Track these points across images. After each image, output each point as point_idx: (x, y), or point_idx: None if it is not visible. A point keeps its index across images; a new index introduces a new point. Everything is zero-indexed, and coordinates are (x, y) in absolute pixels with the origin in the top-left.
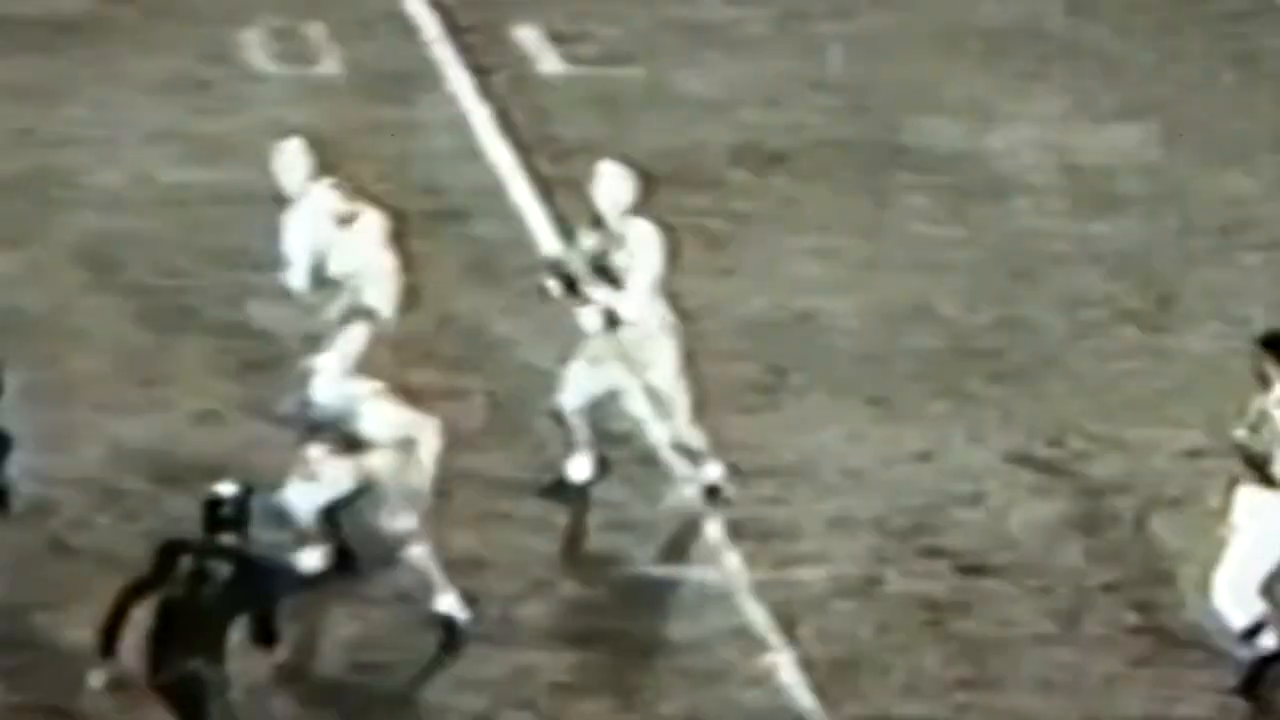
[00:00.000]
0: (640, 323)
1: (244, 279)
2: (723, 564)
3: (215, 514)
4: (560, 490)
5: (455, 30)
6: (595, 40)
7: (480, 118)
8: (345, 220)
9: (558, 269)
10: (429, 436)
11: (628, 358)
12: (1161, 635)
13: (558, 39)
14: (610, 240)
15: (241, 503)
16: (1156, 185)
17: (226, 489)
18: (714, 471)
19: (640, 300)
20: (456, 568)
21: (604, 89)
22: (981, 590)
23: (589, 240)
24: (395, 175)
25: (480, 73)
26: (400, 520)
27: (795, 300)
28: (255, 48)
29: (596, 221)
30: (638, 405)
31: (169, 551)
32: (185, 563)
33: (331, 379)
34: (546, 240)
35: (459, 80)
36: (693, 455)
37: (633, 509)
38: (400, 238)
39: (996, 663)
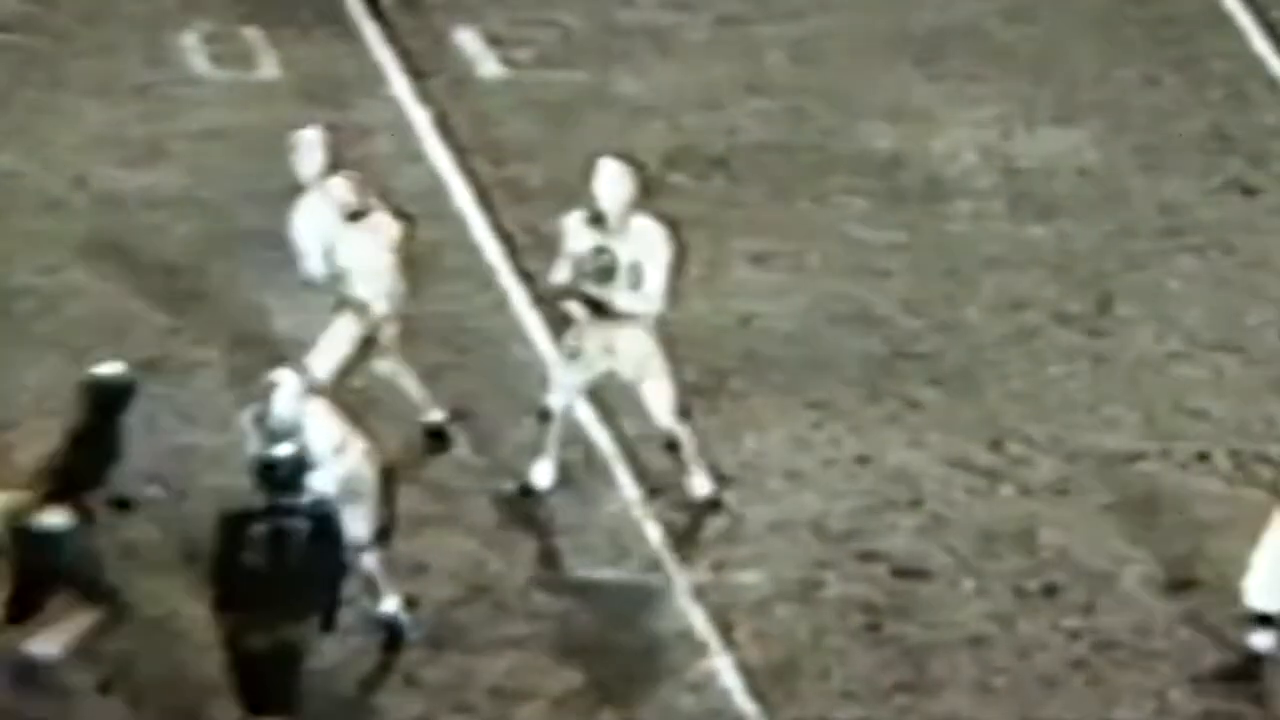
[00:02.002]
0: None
1: (181, 284)
2: (662, 567)
3: (270, 478)
4: (523, 496)
5: (394, 34)
6: (534, 44)
7: (420, 121)
8: (354, 216)
9: (575, 293)
10: (369, 456)
11: (614, 350)
12: (1099, 637)
13: (496, 43)
14: (612, 236)
15: (296, 465)
16: (1095, 189)
17: (281, 451)
18: (705, 485)
19: (659, 296)
20: (396, 571)
21: (543, 93)
22: (920, 594)
23: (589, 238)
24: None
25: (419, 76)
26: (354, 527)
27: (734, 304)
28: (194, 52)
29: (596, 218)
30: (579, 409)
31: (235, 521)
32: (258, 529)
33: (291, 393)
34: (487, 244)
35: (398, 84)
36: (676, 449)
37: (572, 512)
38: None
39: (935, 666)
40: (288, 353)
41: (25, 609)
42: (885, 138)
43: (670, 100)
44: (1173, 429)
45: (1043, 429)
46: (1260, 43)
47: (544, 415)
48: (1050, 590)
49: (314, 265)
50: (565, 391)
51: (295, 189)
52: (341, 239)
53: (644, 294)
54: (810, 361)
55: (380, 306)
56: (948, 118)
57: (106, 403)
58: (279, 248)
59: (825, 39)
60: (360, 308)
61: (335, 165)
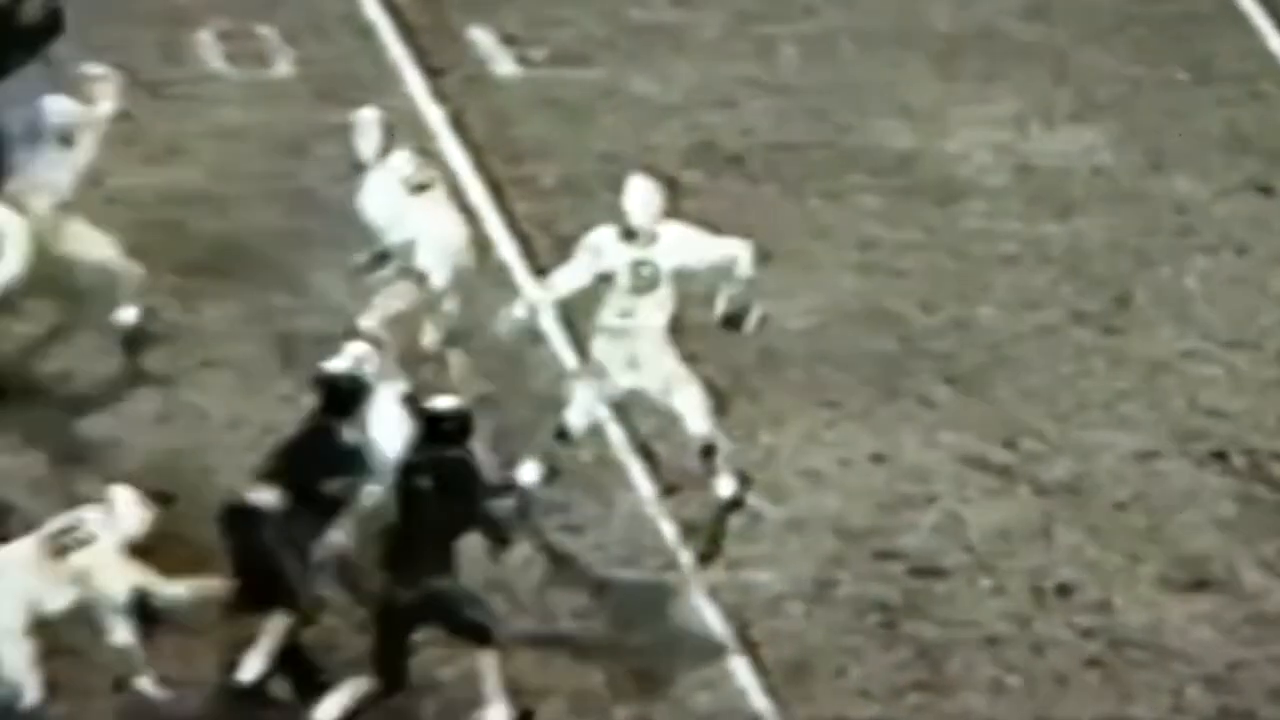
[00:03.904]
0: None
1: (196, 283)
2: (677, 566)
3: (437, 429)
4: (509, 491)
5: (409, 32)
6: (549, 42)
7: (435, 119)
8: (418, 189)
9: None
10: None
11: (638, 366)
12: (1114, 635)
13: (511, 41)
14: (648, 248)
15: (464, 417)
16: (1110, 187)
17: (447, 403)
18: (729, 485)
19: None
20: None
21: (557, 91)
22: (935, 592)
23: (626, 253)
24: (350, 177)
25: (434, 74)
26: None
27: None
28: (208, 49)
29: (629, 233)
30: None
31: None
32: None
33: (373, 369)
34: (502, 242)
35: (413, 82)
36: (712, 454)
37: (586, 510)
38: None
39: (951, 665)
40: (304, 349)
41: (255, 595)
42: (900, 136)
43: (684, 98)
44: (1188, 427)
45: (1058, 427)
46: (1276, 41)
47: (561, 434)
48: (1065, 589)
49: (381, 245)
50: (585, 409)
51: (305, 189)
52: (409, 211)
53: (721, 295)
54: (825, 360)
55: (439, 278)
56: (962, 116)
57: (332, 401)
58: (297, 245)
59: (839, 37)
60: (420, 277)
61: (391, 144)
